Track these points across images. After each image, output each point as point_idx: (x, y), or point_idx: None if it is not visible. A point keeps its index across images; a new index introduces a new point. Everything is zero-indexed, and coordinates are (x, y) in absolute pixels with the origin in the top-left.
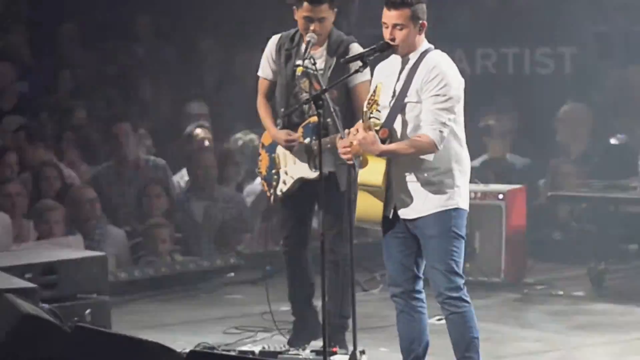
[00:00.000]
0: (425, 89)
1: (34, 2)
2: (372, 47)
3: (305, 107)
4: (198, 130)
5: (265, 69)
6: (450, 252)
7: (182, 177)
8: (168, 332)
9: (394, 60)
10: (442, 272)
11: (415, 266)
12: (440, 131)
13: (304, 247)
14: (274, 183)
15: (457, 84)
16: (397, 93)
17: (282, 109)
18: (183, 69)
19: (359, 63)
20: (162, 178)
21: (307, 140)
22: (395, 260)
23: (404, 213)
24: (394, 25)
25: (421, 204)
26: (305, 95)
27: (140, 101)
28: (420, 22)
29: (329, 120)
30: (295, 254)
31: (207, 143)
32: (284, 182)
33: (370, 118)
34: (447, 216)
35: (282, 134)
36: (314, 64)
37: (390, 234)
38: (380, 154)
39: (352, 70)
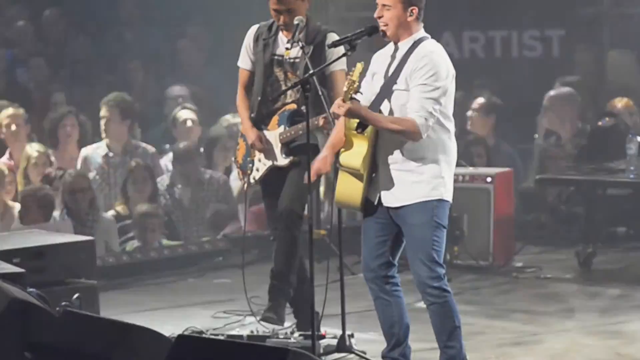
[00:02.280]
0: (414, 77)
1: None
2: (360, 30)
3: (288, 92)
4: (182, 112)
5: (245, 59)
6: (431, 242)
7: (169, 160)
8: (156, 317)
9: (389, 48)
10: (424, 261)
11: (390, 253)
12: (426, 119)
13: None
14: (248, 171)
15: (445, 74)
16: (386, 80)
17: (259, 98)
18: (169, 53)
19: (342, 50)
20: (148, 163)
21: (281, 127)
22: (371, 245)
23: (387, 201)
24: (383, 5)
25: (405, 192)
26: (280, 84)
27: (128, 85)
28: (411, 7)
29: (303, 108)
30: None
31: (189, 124)
32: (257, 170)
33: (351, 98)
34: (430, 206)
35: (252, 134)
36: (302, 47)
37: (371, 218)
38: (365, 118)
39: (340, 54)
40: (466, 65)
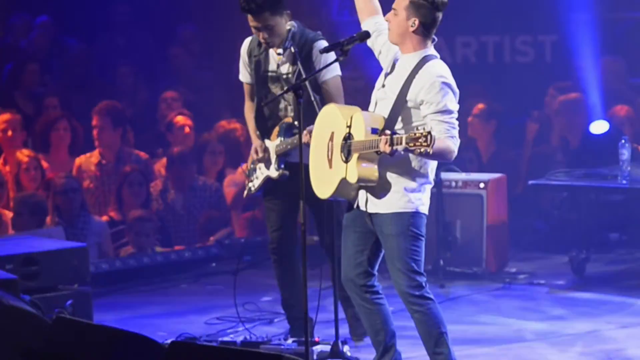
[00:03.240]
0: (426, 103)
1: None
2: (352, 36)
3: (281, 105)
4: (178, 118)
5: (244, 73)
6: (409, 252)
7: (162, 165)
8: (150, 323)
9: (398, 53)
10: (402, 271)
11: (368, 263)
12: (452, 136)
13: (292, 247)
14: (252, 178)
15: (456, 98)
16: (397, 98)
17: (253, 114)
18: (161, 57)
19: (333, 56)
20: (142, 169)
21: (279, 139)
22: (349, 254)
23: (364, 205)
24: (393, 9)
25: (382, 201)
26: (278, 100)
27: (120, 90)
28: (413, 18)
29: (296, 122)
30: (282, 258)
31: (187, 130)
32: (257, 178)
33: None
34: (405, 217)
35: (255, 143)
36: (295, 52)
37: (350, 227)
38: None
39: (331, 61)
40: (458, 70)
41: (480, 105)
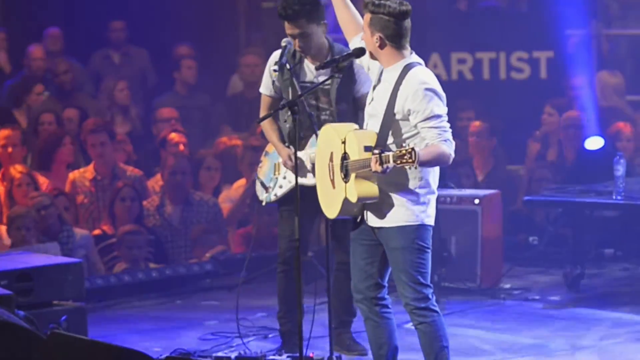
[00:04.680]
0: (414, 113)
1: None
2: (348, 52)
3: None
4: (173, 135)
5: (267, 85)
6: (415, 264)
7: (156, 182)
8: (144, 339)
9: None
10: (408, 283)
11: (378, 275)
12: (446, 139)
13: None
14: (270, 187)
15: (443, 100)
16: (386, 109)
17: (288, 125)
18: (158, 74)
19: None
20: (135, 185)
21: (313, 148)
22: (359, 268)
23: (370, 220)
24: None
25: (386, 215)
26: (311, 111)
27: (118, 107)
28: (375, 34)
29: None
30: (291, 270)
31: (181, 147)
32: (280, 187)
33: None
34: (410, 230)
35: (284, 153)
36: (290, 69)
37: (356, 240)
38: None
39: (328, 77)
40: (454, 87)
41: (477, 123)
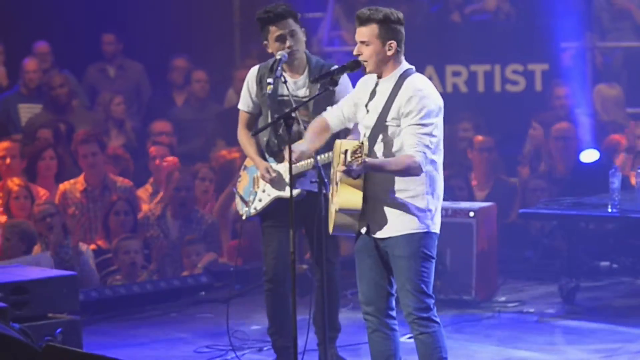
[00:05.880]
0: (405, 117)
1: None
2: (343, 65)
3: (294, 128)
4: (155, 148)
5: (246, 101)
6: (419, 273)
7: (145, 192)
8: (139, 352)
9: (373, 79)
10: (412, 292)
11: (388, 284)
12: (424, 153)
13: (287, 276)
14: (250, 200)
15: (437, 110)
16: (379, 115)
17: (265, 139)
18: (153, 87)
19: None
20: (129, 197)
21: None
22: (369, 279)
23: (375, 231)
24: (361, 42)
25: (392, 224)
26: (291, 123)
27: (113, 120)
28: (389, 42)
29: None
30: (277, 287)
31: (172, 169)
32: (260, 200)
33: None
34: (417, 238)
35: (262, 166)
36: (285, 82)
37: (362, 253)
38: (369, 168)
39: (321, 89)
40: (449, 99)
41: (481, 138)
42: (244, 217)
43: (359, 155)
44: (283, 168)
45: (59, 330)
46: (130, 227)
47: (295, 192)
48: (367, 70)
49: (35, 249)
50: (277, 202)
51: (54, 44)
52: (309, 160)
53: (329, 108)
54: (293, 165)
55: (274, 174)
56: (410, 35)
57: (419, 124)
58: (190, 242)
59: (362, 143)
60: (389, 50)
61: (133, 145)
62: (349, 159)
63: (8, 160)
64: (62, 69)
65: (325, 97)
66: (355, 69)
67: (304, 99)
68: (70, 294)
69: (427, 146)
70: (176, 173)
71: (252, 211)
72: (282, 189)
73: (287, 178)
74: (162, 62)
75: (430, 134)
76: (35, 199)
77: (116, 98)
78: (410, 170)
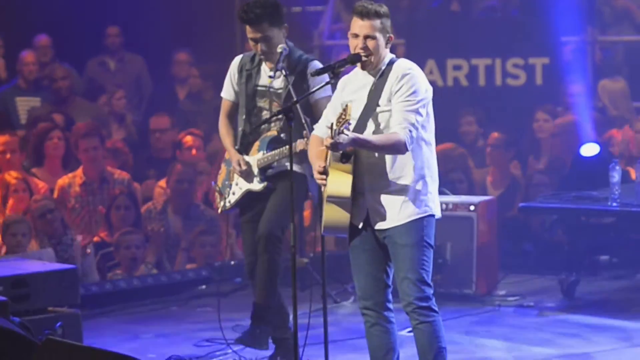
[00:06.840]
0: (396, 93)
1: None
2: (343, 58)
3: (272, 121)
4: (187, 138)
5: (228, 90)
6: (421, 262)
7: (146, 187)
8: (140, 345)
9: (360, 74)
10: (413, 281)
11: (385, 276)
12: (410, 131)
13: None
14: (225, 195)
15: (425, 88)
16: (368, 102)
17: (240, 129)
18: (153, 80)
19: (326, 78)
20: (130, 191)
21: (261, 152)
22: (367, 273)
23: (377, 222)
24: (366, 36)
25: (396, 213)
26: (265, 114)
27: (114, 114)
28: (389, 35)
29: (282, 135)
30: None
31: (194, 152)
32: (233, 193)
33: (340, 134)
34: (420, 224)
35: (236, 157)
36: (286, 75)
37: (358, 247)
38: (357, 144)
39: (323, 83)
40: (449, 93)
41: (496, 134)
42: (219, 211)
43: (344, 117)
44: (252, 160)
45: (59, 324)
46: (131, 221)
47: (261, 186)
48: (368, 64)
49: (32, 245)
50: (248, 195)
51: (54, 37)
52: (283, 148)
53: (315, 125)
54: (260, 157)
55: (244, 167)
56: (412, 29)
57: (407, 100)
58: (201, 233)
59: (347, 105)
60: (388, 43)
61: (133, 139)
62: (335, 128)
63: (8, 156)
64: (63, 62)
65: (298, 90)
66: (356, 62)
67: (279, 91)
68: (70, 288)
69: (413, 124)
70: (178, 165)
71: (227, 205)
72: (251, 181)
73: (256, 170)
74: (164, 56)
75: (417, 112)
76: (34, 192)
77: (117, 92)
78: (395, 147)
